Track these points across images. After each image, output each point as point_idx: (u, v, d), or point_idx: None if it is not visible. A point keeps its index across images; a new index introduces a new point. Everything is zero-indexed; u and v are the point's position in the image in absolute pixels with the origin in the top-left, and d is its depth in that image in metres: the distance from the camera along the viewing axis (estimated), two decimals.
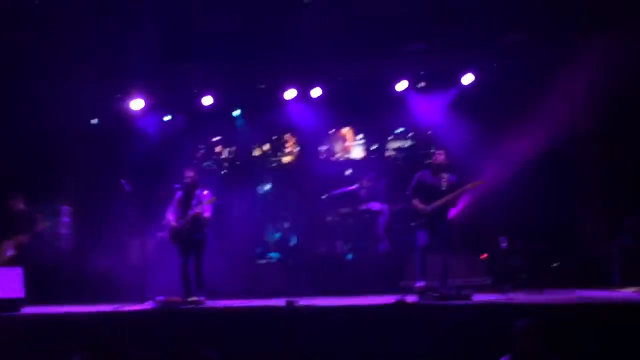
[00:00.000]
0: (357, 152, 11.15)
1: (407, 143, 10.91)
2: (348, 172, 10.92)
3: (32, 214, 8.72)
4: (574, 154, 9.44)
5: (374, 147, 11.00)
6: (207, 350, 4.99)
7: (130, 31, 9.48)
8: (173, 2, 9.20)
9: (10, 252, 8.52)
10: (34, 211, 8.77)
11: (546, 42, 9.30)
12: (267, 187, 11.37)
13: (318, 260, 9.65)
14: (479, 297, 6.93)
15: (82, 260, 9.82)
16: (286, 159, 11.37)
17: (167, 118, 10.99)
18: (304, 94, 10.23)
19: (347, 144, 11.24)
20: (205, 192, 7.93)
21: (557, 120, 9.00)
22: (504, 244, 8.71)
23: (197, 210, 7.73)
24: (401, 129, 10.91)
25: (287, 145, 11.36)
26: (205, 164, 11.28)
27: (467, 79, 9.75)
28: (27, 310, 7.47)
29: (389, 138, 10.99)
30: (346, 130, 11.16)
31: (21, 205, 8.75)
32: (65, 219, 10.39)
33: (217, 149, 11.44)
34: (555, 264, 8.68)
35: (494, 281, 8.35)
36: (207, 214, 7.80)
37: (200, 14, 9.46)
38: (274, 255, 10.26)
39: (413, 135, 10.84)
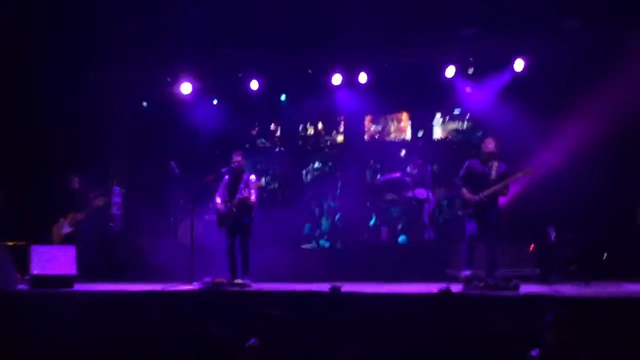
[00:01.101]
0: (409, 133, 11.07)
1: (464, 125, 10.71)
2: (402, 153, 10.82)
3: (86, 194, 9.00)
4: (630, 145, 9.13)
5: (420, 133, 10.90)
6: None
7: (180, 16, 9.60)
8: None
9: (66, 229, 8.86)
10: (88, 191, 9.04)
11: (603, 28, 8.99)
12: (317, 165, 11.41)
13: (363, 246, 9.66)
14: (526, 288, 6.82)
15: (132, 240, 10.10)
16: (340, 139, 11.36)
17: (215, 102, 11.14)
18: (351, 80, 10.19)
19: (402, 124, 11.16)
20: (253, 176, 8.02)
21: (614, 109, 8.71)
22: (553, 235, 8.53)
23: (244, 194, 7.83)
24: (458, 110, 10.74)
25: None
26: (259, 141, 11.40)
27: (519, 65, 9.53)
28: (79, 287, 7.73)
29: (446, 118, 10.81)
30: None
31: (76, 185, 9.08)
32: (117, 199, 10.68)
33: (272, 127, 11.54)
34: (604, 256, 8.46)
35: (542, 272, 8.20)
36: (253, 198, 7.89)
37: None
38: (323, 243, 10.32)
39: (469, 118, 10.67)
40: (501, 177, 7.24)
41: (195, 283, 7.74)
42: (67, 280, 7.67)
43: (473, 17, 9.32)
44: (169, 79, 10.64)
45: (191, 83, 10.52)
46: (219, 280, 7.61)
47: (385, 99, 10.43)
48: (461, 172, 7.50)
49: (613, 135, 8.83)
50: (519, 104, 9.38)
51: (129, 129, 11.10)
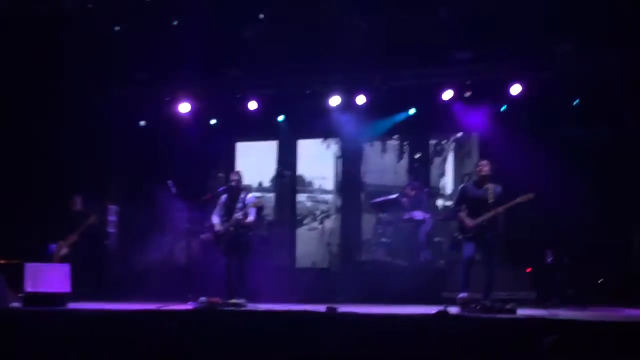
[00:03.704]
0: None
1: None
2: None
3: (87, 214, 8.96)
4: (627, 169, 9.17)
5: (417, 155, 10.93)
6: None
7: (179, 36, 9.68)
8: (220, 10, 9.34)
9: (64, 251, 8.80)
10: (89, 211, 9.01)
11: (596, 52, 9.10)
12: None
13: (360, 267, 9.62)
14: (522, 312, 6.79)
15: (127, 258, 10.04)
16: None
17: (213, 122, 11.18)
18: (348, 101, 10.25)
19: None
20: (251, 195, 8.02)
21: (609, 133, 8.78)
22: (550, 258, 8.52)
23: (241, 214, 7.81)
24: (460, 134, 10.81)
25: None
26: None
27: (515, 89, 9.61)
28: (73, 305, 7.65)
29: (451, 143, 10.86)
30: None
31: (79, 206, 9.04)
32: (113, 217, 10.64)
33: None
34: (601, 281, 8.45)
35: (539, 296, 8.17)
36: (251, 218, 7.87)
37: (246, 22, 9.58)
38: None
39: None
40: (498, 199, 7.26)
41: (190, 302, 7.68)
42: (60, 299, 7.60)
43: (468, 42, 9.42)
44: (167, 98, 10.68)
45: (190, 103, 10.57)
46: (214, 299, 7.56)
47: (383, 121, 10.51)
48: (457, 197, 7.53)
49: (609, 159, 8.89)
50: (514, 127, 9.45)
51: (126, 148, 11.10)
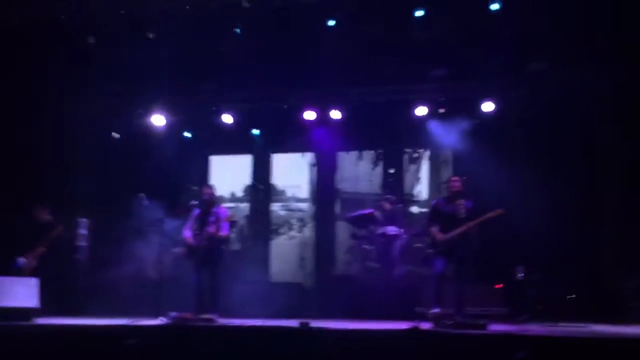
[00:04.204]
0: None
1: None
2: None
3: (54, 225, 8.77)
4: (594, 185, 9.34)
5: (391, 170, 11.00)
6: None
7: (152, 50, 9.63)
8: (196, 23, 9.32)
9: (33, 264, 8.58)
10: (55, 222, 8.83)
11: (568, 71, 9.29)
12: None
13: (333, 282, 9.60)
14: (494, 327, 6.84)
15: (97, 273, 9.87)
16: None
17: (187, 134, 11.12)
18: (323, 117, 10.29)
19: None
20: (224, 209, 7.97)
21: (577, 150, 8.94)
22: (521, 274, 8.61)
23: (213, 227, 7.75)
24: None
25: None
26: None
27: (488, 106, 9.74)
28: (41, 320, 7.50)
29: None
30: None
31: (44, 216, 8.81)
32: (83, 231, 10.47)
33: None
34: (572, 297, 8.55)
35: (510, 311, 8.24)
36: (224, 232, 7.82)
37: (222, 36, 9.57)
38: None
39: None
40: (469, 214, 7.33)
41: (160, 318, 7.58)
42: (27, 313, 7.44)
43: (442, 59, 9.54)
44: (141, 111, 10.60)
45: (163, 115, 10.50)
46: (185, 315, 7.47)
47: (356, 136, 10.56)
48: (429, 213, 7.60)
49: (576, 176, 9.04)
50: (486, 144, 9.57)
51: (98, 160, 10.96)
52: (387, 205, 9.67)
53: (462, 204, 7.39)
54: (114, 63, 9.99)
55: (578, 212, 9.17)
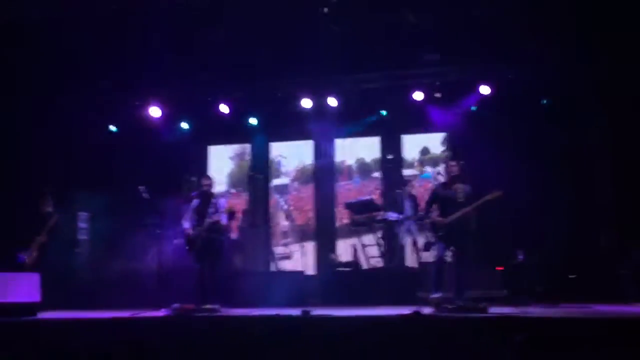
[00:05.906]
0: None
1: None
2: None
3: (52, 214, 8.77)
4: (593, 169, 9.35)
5: (390, 156, 11.00)
6: None
7: (147, 42, 9.58)
8: (190, 13, 9.27)
9: (34, 255, 8.60)
10: (54, 212, 8.83)
11: (563, 53, 9.26)
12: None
13: (334, 269, 9.63)
14: (495, 310, 6.87)
15: (99, 266, 9.91)
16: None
17: (184, 126, 11.11)
18: (320, 104, 10.27)
19: None
20: (222, 200, 7.97)
21: (577, 132, 8.94)
22: (521, 257, 8.64)
23: (214, 218, 7.77)
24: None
25: None
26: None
27: (484, 90, 9.73)
28: (43, 315, 7.53)
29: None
30: None
31: (49, 208, 8.81)
32: (83, 225, 10.49)
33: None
34: (572, 277, 8.59)
35: (510, 294, 8.28)
36: (223, 222, 7.83)
37: (215, 25, 9.53)
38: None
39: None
40: (468, 198, 7.34)
41: (163, 310, 7.61)
42: (30, 308, 7.47)
43: (436, 44, 9.51)
44: (137, 103, 10.58)
45: (160, 107, 10.48)
46: (187, 306, 7.50)
47: (355, 122, 10.56)
48: (428, 198, 7.61)
49: (576, 159, 9.05)
50: (483, 127, 9.56)
51: (97, 153, 10.95)
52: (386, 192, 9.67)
53: (460, 188, 7.39)
54: (109, 56, 9.94)
55: (577, 193, 9.19)
